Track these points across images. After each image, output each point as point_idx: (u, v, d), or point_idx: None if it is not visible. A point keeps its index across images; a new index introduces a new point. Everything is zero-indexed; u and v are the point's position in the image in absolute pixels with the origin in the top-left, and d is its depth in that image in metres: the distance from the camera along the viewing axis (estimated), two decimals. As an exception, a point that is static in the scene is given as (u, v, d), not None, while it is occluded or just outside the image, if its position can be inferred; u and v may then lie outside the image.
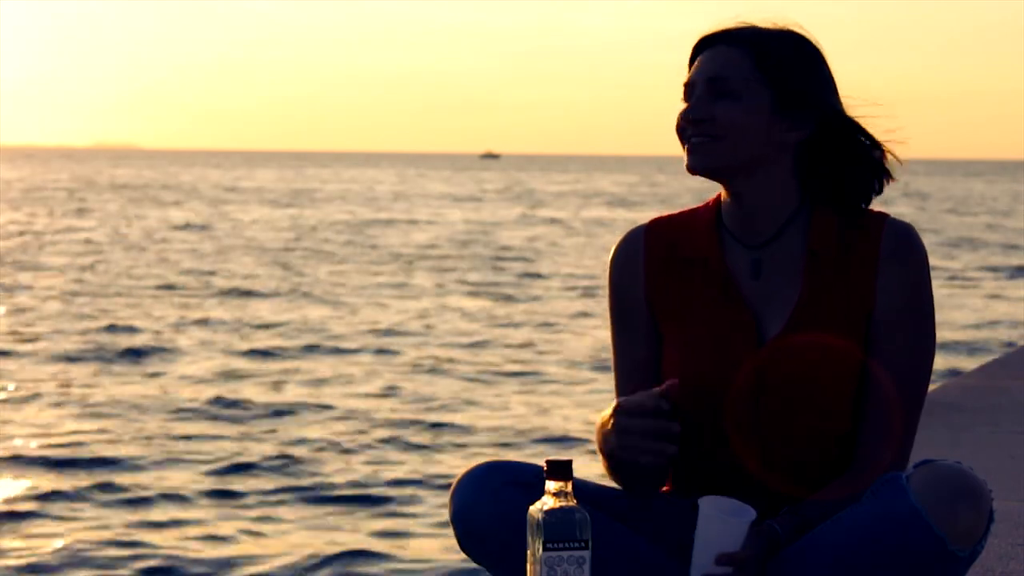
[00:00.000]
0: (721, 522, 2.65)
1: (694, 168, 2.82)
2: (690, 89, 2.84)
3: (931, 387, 2.99)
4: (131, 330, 20.36)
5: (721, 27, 2.84)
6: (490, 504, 2.76)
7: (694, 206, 2.94)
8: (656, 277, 2.89)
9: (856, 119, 2.84)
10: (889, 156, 2.85)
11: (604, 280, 2.96)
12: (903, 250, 2.80)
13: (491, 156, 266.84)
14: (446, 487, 8.23)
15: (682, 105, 2.84)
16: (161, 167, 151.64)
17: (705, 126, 2.80)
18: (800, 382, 2.78)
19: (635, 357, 2.91)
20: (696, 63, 2.85)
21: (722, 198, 2.88)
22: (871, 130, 2.84)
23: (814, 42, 2.85)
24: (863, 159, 2.84)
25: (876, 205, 2.88)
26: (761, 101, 2.79)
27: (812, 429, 2.80)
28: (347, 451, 12.43)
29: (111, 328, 20.52)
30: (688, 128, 2.82)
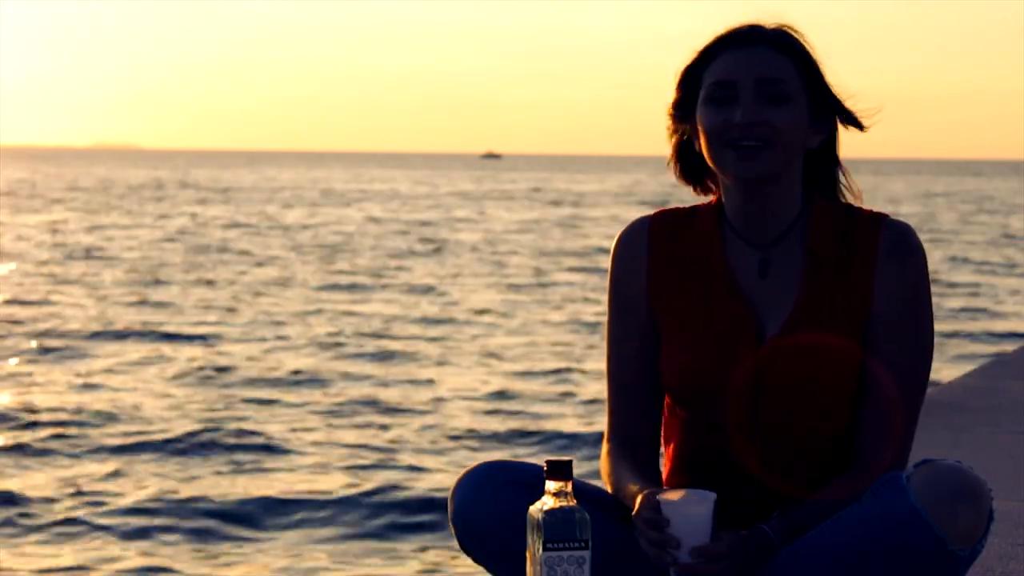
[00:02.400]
0: (680, 515, 2.62)
1: (747, 175, 2.75)
2: (727, 88, 2.76)
3: (931, 387, 2.98)
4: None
5: (748, 24, 2.80)
6: (490, 504, 2.76)
7: (696, 202, 2.94)
8: (658, 271, 2.88)
9: (856, 114, 2.85)
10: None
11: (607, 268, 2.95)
12: (901, 250, 2.80)
13: (492, 156, 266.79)
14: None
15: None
16: (172, 168, 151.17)
17: (760, 131, 2.75)
18: (799, 382, 2.78)
19: (630, 347, 2.90)
20: (727, 62, 2.77)
21: (726, 197, 2.87)
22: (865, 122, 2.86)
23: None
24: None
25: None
26: (803, 106, 2.78)
27: (812, 429, 2.80)
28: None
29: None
30: (734, 131, 2.75)
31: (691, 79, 2.83)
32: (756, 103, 2.74)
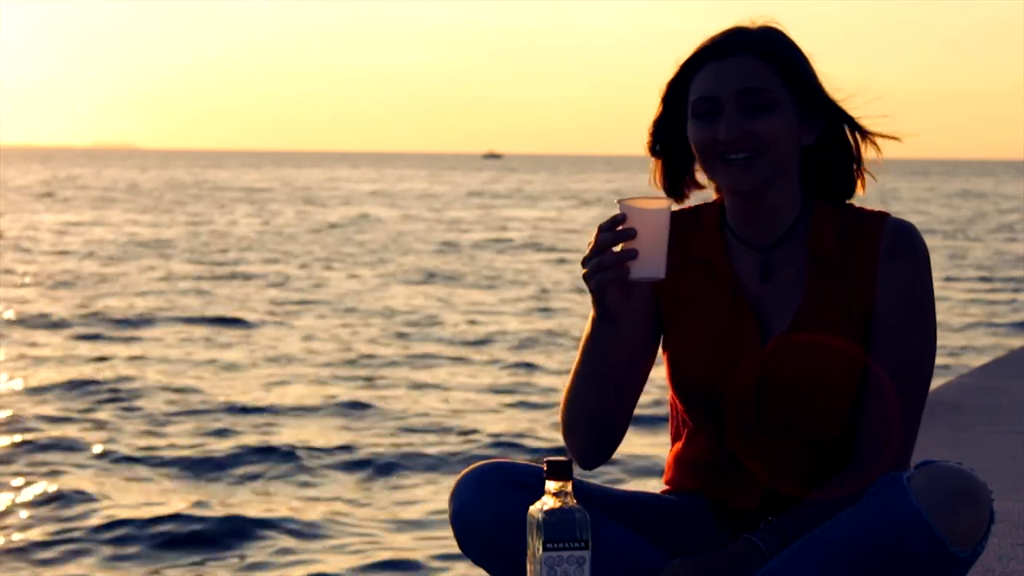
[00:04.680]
0: (637, 212, 2.60)
1: (740, 186, 2.76)
2: (710, 103, 2.75)
3: (931, 387, 2.98)
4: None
5: (728, 31, 2.78)
6: (490, 504, 2.75)
7: (699, 203, 2.93)
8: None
9: (846, 109, 2.84)
10: (874, 141, 2.84)
11: None
12: (902, 248, 2.80)
13: (494, 156, 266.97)
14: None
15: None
16: (181, 168, 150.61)
17: (746, 142, 2.74)
18: (802, 383, 2.78)
19: (629, 346, 2.89)
20: (709, 75, 2.76)
21: (726, 200, 2.87)
22: (860, 116, 2.84)
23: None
24: (848, 148, 2.85)
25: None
26: (789, 109, 2.77)
27: (816, 430, 2.80)
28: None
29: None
30: (718, 147, 2.75)
31: (677, 92, 2.82)
32: (739, 116, 2.74)
